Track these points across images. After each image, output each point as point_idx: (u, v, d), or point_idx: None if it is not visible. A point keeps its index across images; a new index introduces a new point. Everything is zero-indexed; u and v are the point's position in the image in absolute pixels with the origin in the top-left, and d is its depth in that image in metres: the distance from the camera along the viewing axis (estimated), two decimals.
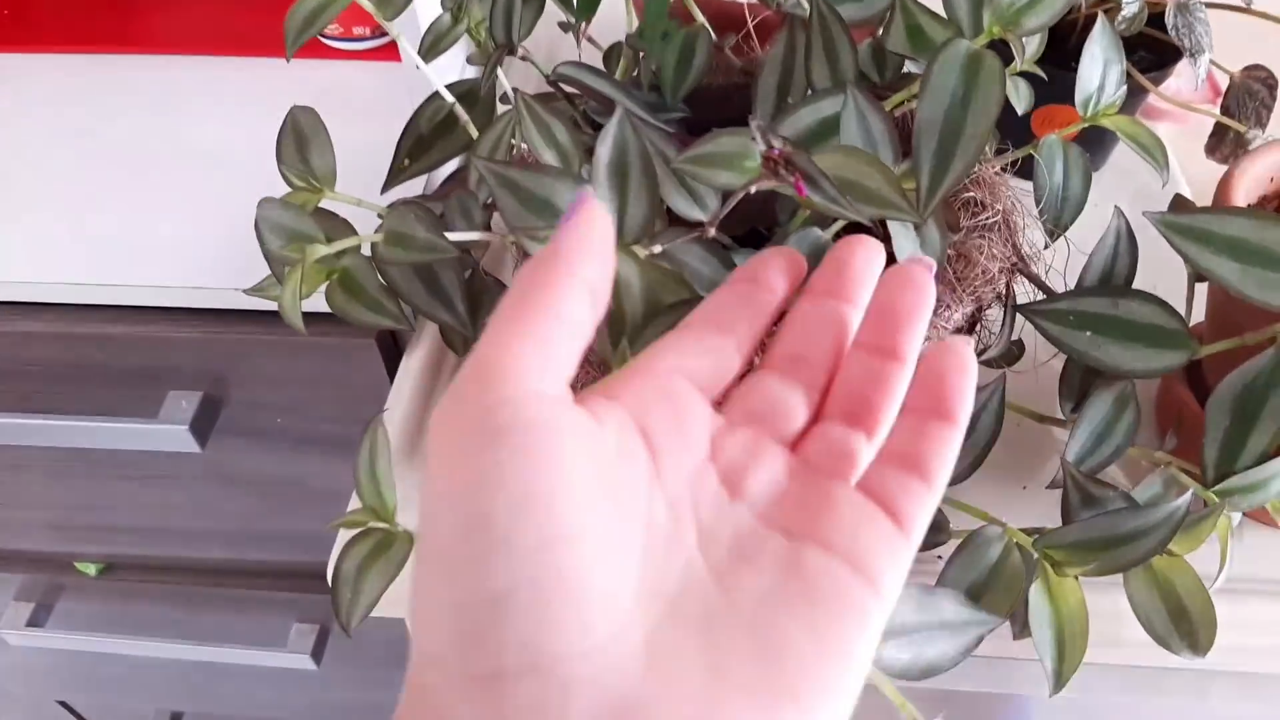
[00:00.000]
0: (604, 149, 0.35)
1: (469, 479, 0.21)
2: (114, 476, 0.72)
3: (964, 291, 0.42)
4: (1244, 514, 0.50)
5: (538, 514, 0.21)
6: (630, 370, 0.27)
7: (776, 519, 0.26)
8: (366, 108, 0.65)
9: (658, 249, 0.39)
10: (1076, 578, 0.40)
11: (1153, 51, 0.65)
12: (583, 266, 0.24)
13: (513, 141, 0.46)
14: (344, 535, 0.45)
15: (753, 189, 0.34)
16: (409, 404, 0.55)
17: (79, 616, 0.89)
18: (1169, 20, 0.58)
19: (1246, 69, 0.60)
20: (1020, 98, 0.45)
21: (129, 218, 0.61)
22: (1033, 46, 0.48)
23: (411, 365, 0.56)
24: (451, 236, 0.40)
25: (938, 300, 0.42)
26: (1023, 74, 0.51)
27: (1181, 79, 0.68)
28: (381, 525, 0.41)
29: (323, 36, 0.73)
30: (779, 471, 0.27)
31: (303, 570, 0.80)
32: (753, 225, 0.49)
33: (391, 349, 0.61)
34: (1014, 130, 0.53)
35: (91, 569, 0.83)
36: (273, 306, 0.58)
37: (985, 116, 0.38)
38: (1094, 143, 0.67)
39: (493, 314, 0.23)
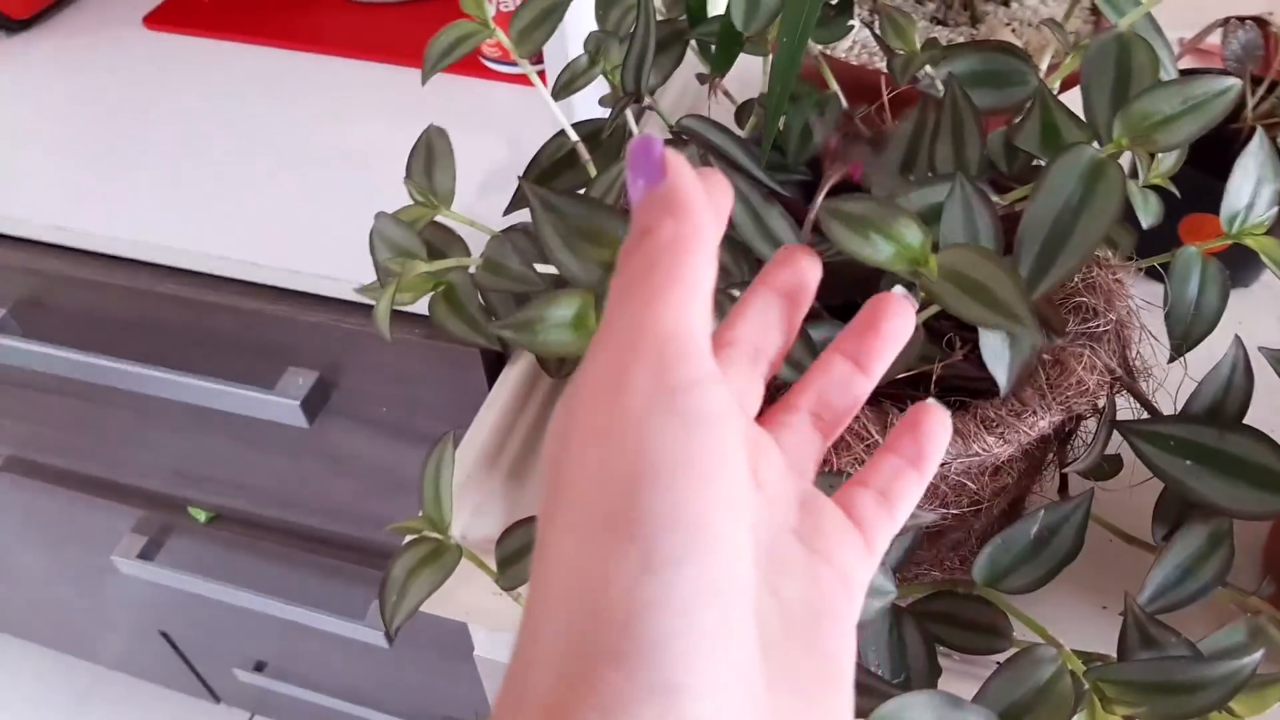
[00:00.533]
0: None
1: (640, 452, 0.20)
2: (232, 437, 0.77)
3: (1053, 399, 0.41)
4: None
5: (694, 525, 0.20)
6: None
7: (791, 524, 0.27)
8: (512, 130, 0.68)
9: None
10: (1125, 719, 0.38)
11: None
12: (708, 222, 0.23)
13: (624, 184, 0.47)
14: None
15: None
16: (498, 419, 0.57)
17: (185, 557, 0.95)
18: None
19: None
20: (1148, 210, 0.43)
21: (276, 202, 0.65)
22: (1169, 161, 0.46)
23: (506, 382, 0.58)
24: (544, 269, 0.41)
25: (1022, 405, 0.41)
26: (1156, 187, 0.49)
27: None
28: (435, 536, 0.43)
29: (483, 58, 0.76)
30: (782, 470, 0.28)
31: (387, 551, 0.83)
32: (850, 298, 0.49)
33: (495, 362, 0.63)
34: (1160, 235, 0.51)
35: (202, 516, 0.88)
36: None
37: (1096, 227, 0.37)
38: (1244, 260, 0.64)
39: (640, 272, 0.22)
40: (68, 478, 0.91)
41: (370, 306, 0.61)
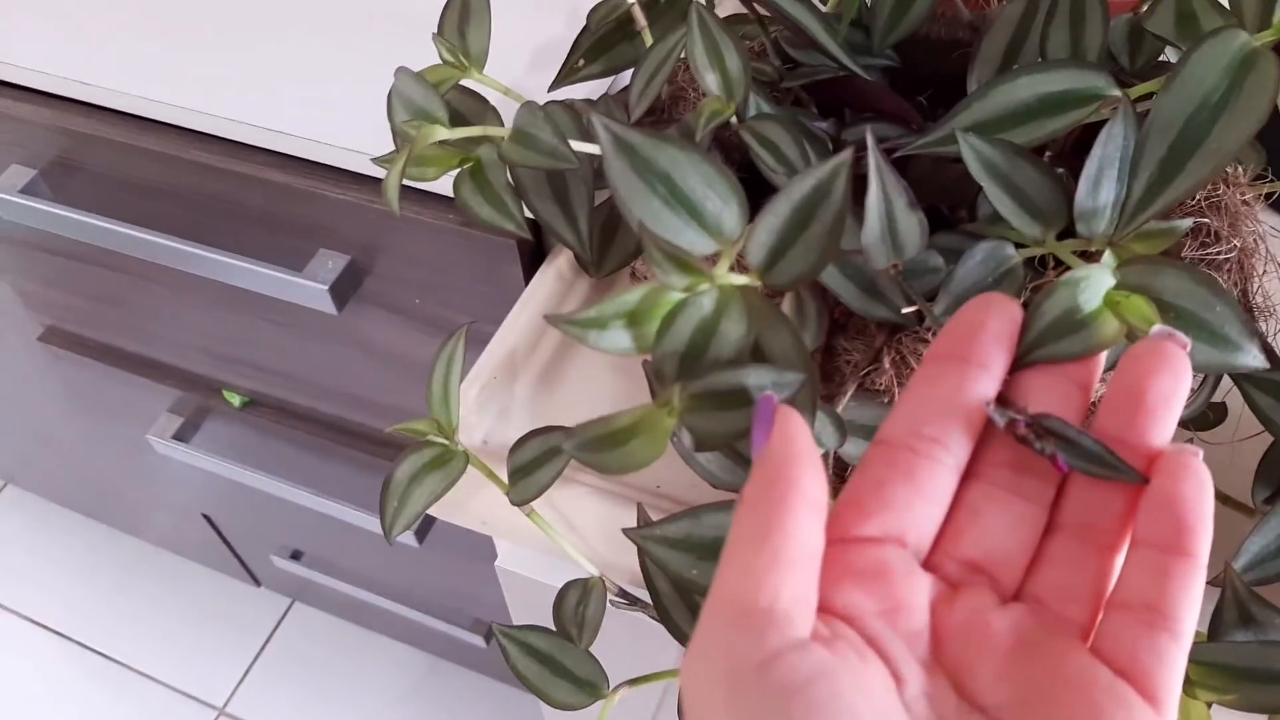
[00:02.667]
0: (800, 187, 0.28)
1: None
2: (264, 320, 0.73)
3: None
4: None
5: None
6: (827, 555, 0.24)
7: (1016, 716, 0.23)
8: (569, 1, 0.62)
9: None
10: (1210, 705, 0.33)
11: None
12: (807, 484, 0.23)
13: (683, 59, 0.41)
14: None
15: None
16: (531, 319, 0.53)
17: (220, 441, 0.93)
18: None
19: None
20: None
21: (309, 69, 0.61)
22: None
23: (544, 280, 0.53)
24: (582, 147, 0.36)
25: None
26: None
27: None
28: (441, 440, 0.38)
29: None
30: (1005, 648, 0.23)
31: None
32: (934, 204, 0.42)
33: (534, 254, 0.58)
34: None
35: (236, 400, 0.86)
36: (427, 186, 0.57)
37: (1240, 130, 0.30)
38: None
39: (729, 541, 0.23)
40: (104, 352, 0.90)
41: (413, 189, 0.57)
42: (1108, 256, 0.30)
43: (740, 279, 0.29)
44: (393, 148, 0.40)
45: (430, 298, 0.65)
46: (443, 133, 0.36)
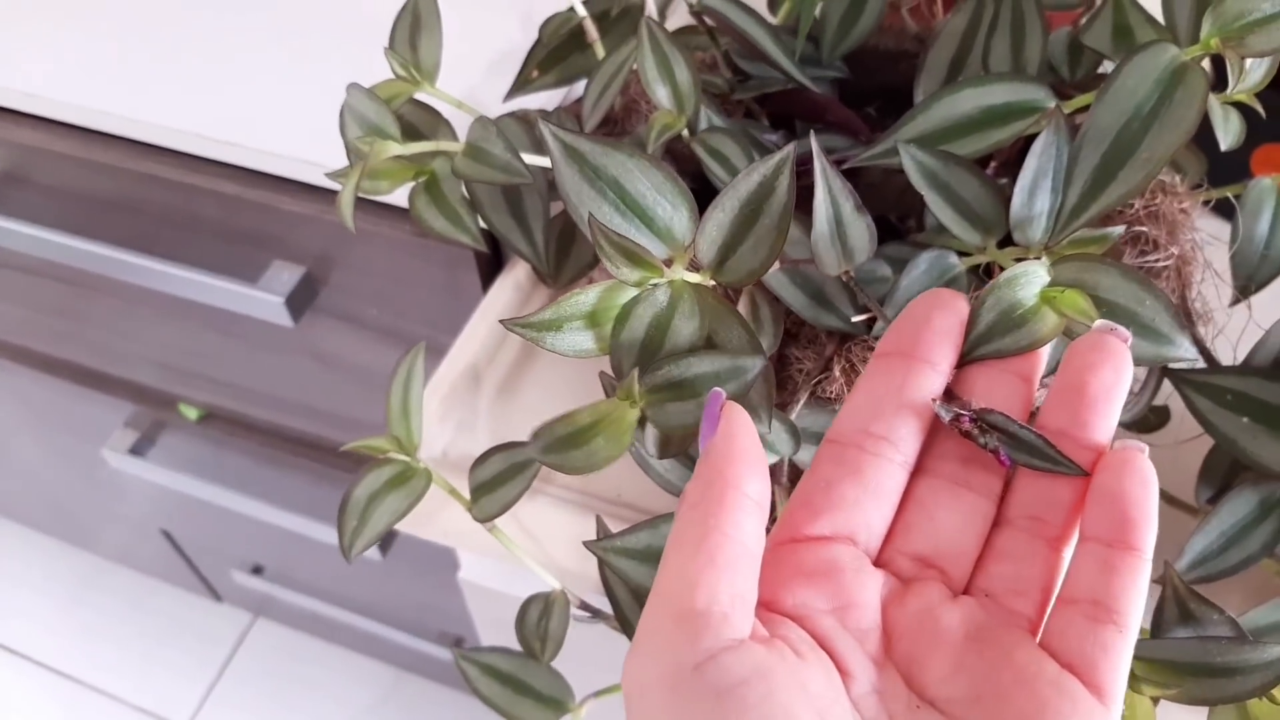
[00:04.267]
0: (745, 183, 0.29)
1: None
2: (219, 332, 0.73)
3: None
4: None
5: None
6: (778, 554, 0.25)
7: (966, 710, 0.23)
8: (523, 9, 0.62)
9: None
10: (1155, 700, 0.34)
11: None
12: (747, 482, 0.23)
13: (635, 70, 0.42)
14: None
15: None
16: (489, 330, 0.53)
17: (177, 455, 0.92)
18: None
19: None
20: (1228, 130, 0.38)
21: (261, 79, 0.60)
22: (1259, 73, 0.40)
23: (500, 290, 0.54)
24: (535, 160, 0.36)
25: None
26: (1238, 104, 0.43)
27: None
28: (401, 457, 0.38)
29: None
30: (955, 643, 0.24)
31: None
32: (883, 214, 0.43)
33: (491, 264, 0.58)
34: (1228, 167, 0.45)
35: (193, 413, 0.85)
36: (384, 198, 0.57)
37: (1169, 140, 0.31)
38: None
39: (670, 540, 0.23)
40: (58, 366, 0.88)
41: (370, 201, 0.57)
42: (1044, 259, 0.31)
43: (693, 276, 0.29)
44: (346, 161, 0.41)
45: (387, 309, 0.65)
46: (395, 149, 0.36)
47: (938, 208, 0.34)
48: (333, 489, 0.86)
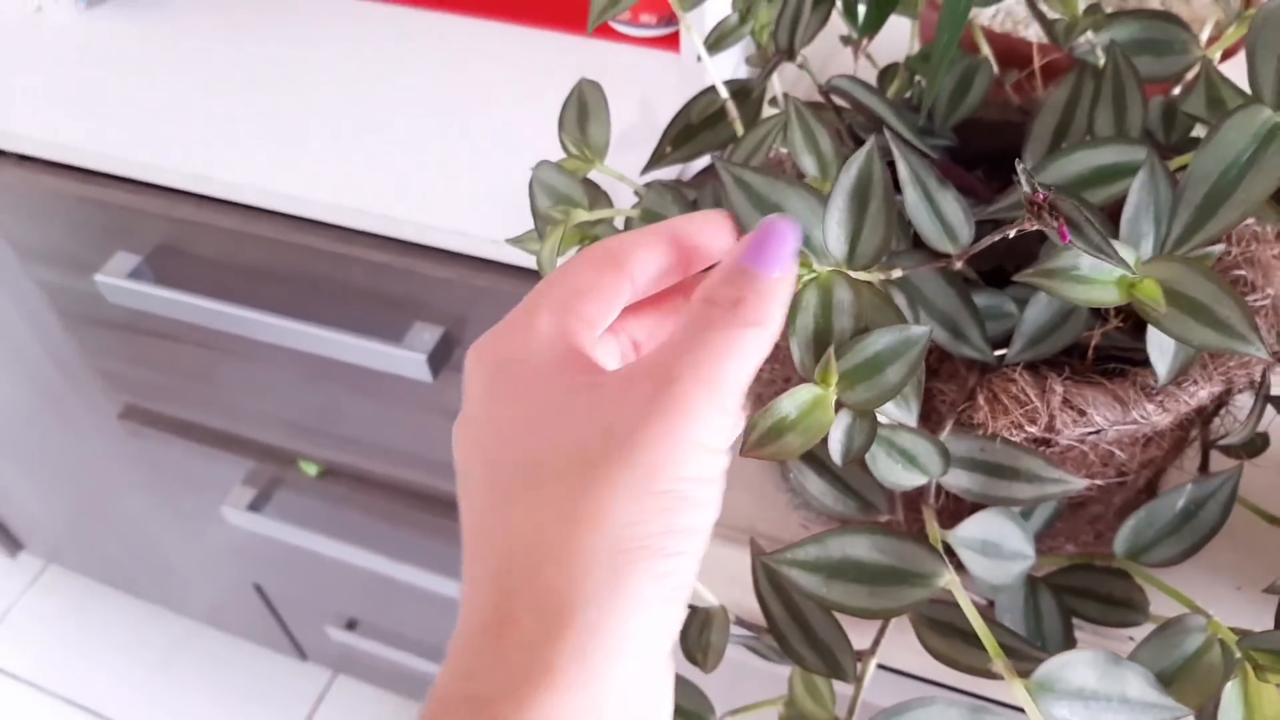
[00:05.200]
0: (848, 176, 0.36)
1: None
2: (353, 390, 0.79)
3: (1214, 370, 0.40)
4: None
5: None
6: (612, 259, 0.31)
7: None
8: (638, 92, 0.69)
9: (897, 273, 0.40)
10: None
11: None
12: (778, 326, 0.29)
13: (773, 145, 0.47)
14: None
15: (1011, 233, 0.34)
16: None
17: (292, 510, 0.98)
18: None
19: None
20: None
21: (411, 159, 0.67)
22: None
23: None
24: None
25: (1185, 374, 0.40)
26: None
27: None
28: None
29: (611, 20, 0.77)
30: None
31: None
32: (1000, 264, 0.48)
33: None
34: None
35: (312, 469, 0.91)
36: (520, 260, 0.63)
37: (1263, 185, 0.36)
38: None
39: (700, 312, 0.28)
40: (184, 428, 0.94)
41: (504, 264, 0.63)
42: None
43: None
44: (491, 230, 0.46)
45: None
46: (584, 215, 0.42)
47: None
48: (441, 540, 0.91)
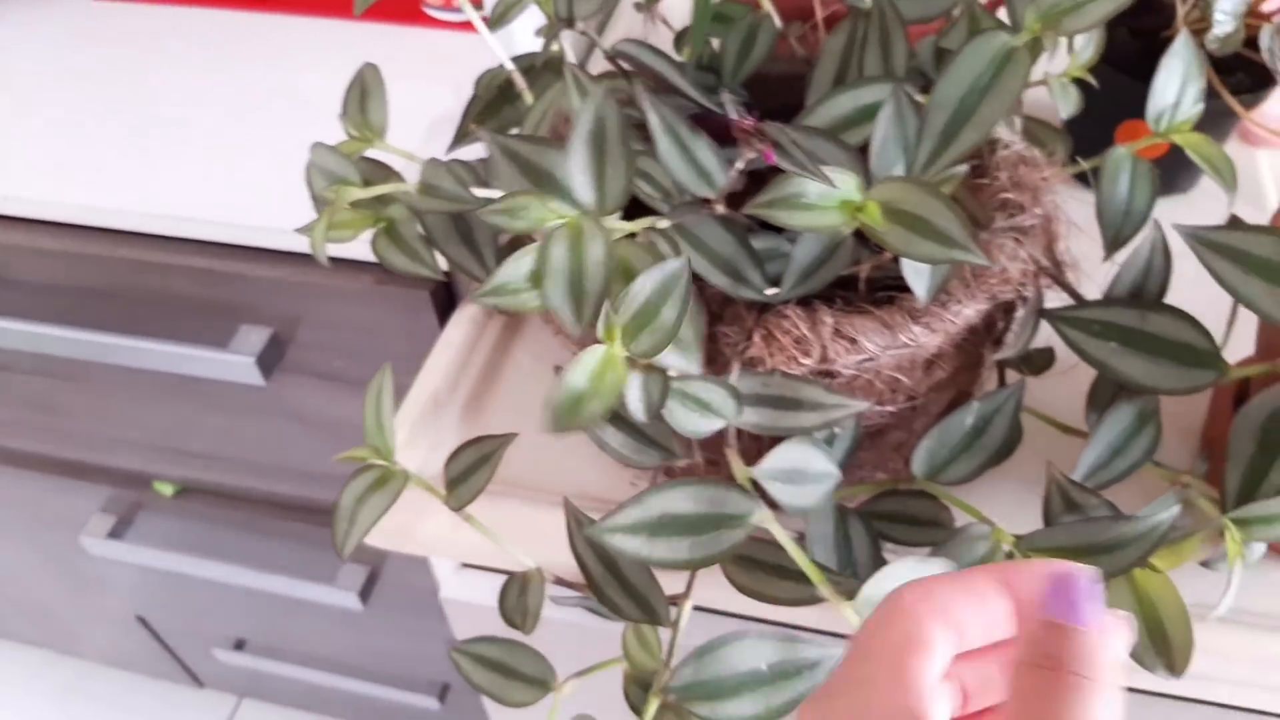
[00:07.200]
0: (582, 124, 0.37)
1: None
2: (193, 403, 0.77)
3: (978, 288, 0.42)
4: (1269, 548, 0.49)
5: None
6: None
7: None
8: (457, 76, 0.68)
9: (664, 223, 0.40)
10: None
11: (1252, 74, 0.63)
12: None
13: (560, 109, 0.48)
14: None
15: (740, 164, 0.35)
16: (451, 360, 0.58)
17: (155, 534, 0.95)
18: (1262, 42, 0.56)
19: None
20: (1067, 100, 0.45)
21: (222, 160, 0.66)
22: (1087, 53, 0.47)
23: (458, 324, 0.59)
24: (481, 193, 0.42)
25: (947, 294, 0.42)
26: (1080, 81, 0.51)
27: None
28: (380, 462, 0.43)
29: (425, 6, 0.76)
30: None
31: None
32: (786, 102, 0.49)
33: (446, 304, 0.63)
34: (1100, 142, 0.52)
35: (168, 489, 0.88)
36: (343, 252, 0.62)
37: (999, 107, 0.38)
38: (1184, 165, 0.65)
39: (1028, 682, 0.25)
40: (31, 460, 0.91)
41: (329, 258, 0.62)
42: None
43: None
44: (308, 219, 0.46)
45: (354, 360, 0.69)
46: (358, 192, 0.42)
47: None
48: (310, 548, 0.89)
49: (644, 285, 0.35)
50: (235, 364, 0.66)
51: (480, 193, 0.44)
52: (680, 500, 0.40)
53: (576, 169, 0.36)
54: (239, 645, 1.15)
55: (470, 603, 0.63)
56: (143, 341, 0.67)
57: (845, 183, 0.36)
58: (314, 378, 0.71)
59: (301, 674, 1.14)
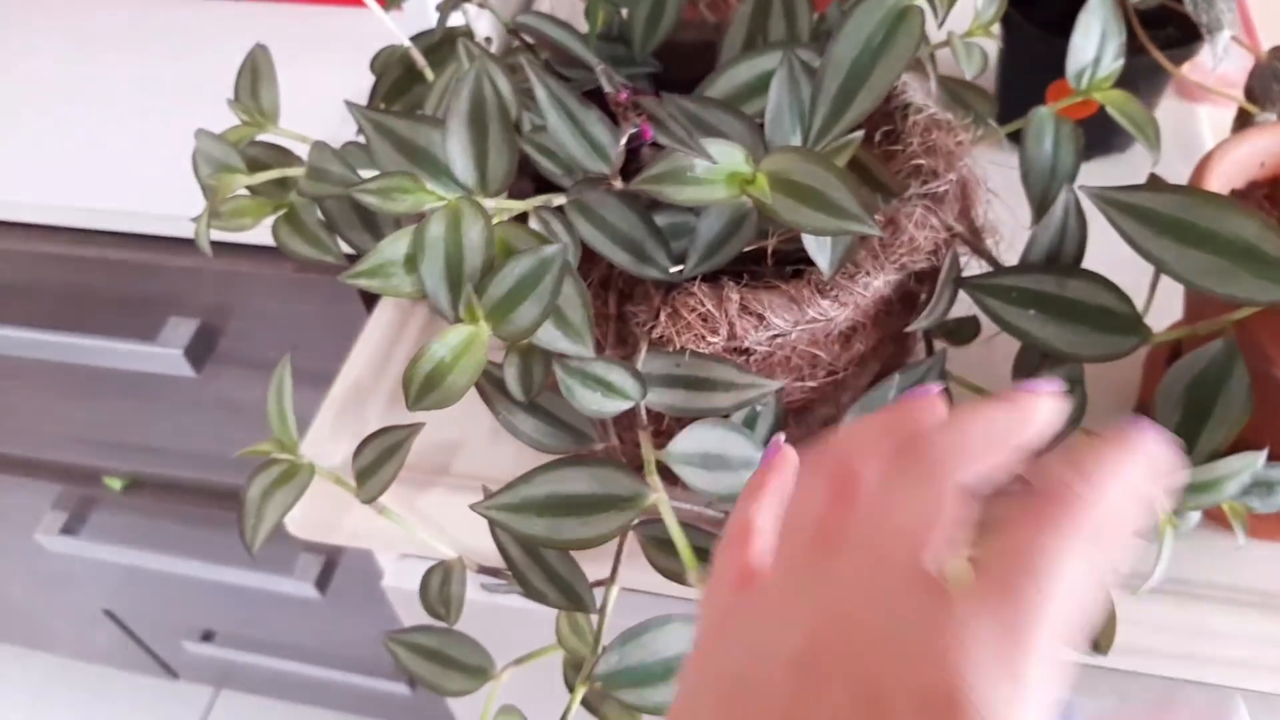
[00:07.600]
0: (459, 101, 0.36)
1: None
2: (129, 397, 0.75)
3: (886, 259, 0.41)
4: (1204, 515, 0.48)
5: None
6: None
7: None
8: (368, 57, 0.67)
9: (559, 200, 0.39)
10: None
11: (1182, 28, 0.61)
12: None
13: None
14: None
15: (623, 140, 0.34)
16: (373, 351, 0.57)
17: (109, 529, 0.94)
18: None
19: (1274, 50, 0.56)
20: (970, 61, 0.43)
21: (140, 148, 0.64)
22: (989, 13, 0.46)
23: (381, 314, 0.58)
24: (368, 175, 0.41)
25: (855, 266, 0.41)
26: (1013, 44, 0.49)
27: (1228, 60, 0.64)
28: (286, 456, 0.42)
29: None
30: None
31: None
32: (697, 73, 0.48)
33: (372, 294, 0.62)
34: (1030, 104, 0.51)
35: (117, 484, 0.87)
36: (262, 240, 0.60)
37: (894, 69, 0.37)
38: (1113, 125, 0.64)
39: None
40: None
41: (254, 246, 0.61)
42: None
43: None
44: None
45: (285, 349, 0.68)
46: (243, 180, 0.40)
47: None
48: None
49: (512, 270, 0.34)
50: (163, 356, 0.64)
51: (366, 174, 0.42)
52: (571, 480, 0.39)
53: (456, 149, 0.35)
54: (207, 636, 1.15)
55: (413, 591, 0.62)
56: (69, 337, 0.66)
57: (727, 155, 0.34)
58: (247, 368, 0.70)
59: (273, 664, 1.13)
